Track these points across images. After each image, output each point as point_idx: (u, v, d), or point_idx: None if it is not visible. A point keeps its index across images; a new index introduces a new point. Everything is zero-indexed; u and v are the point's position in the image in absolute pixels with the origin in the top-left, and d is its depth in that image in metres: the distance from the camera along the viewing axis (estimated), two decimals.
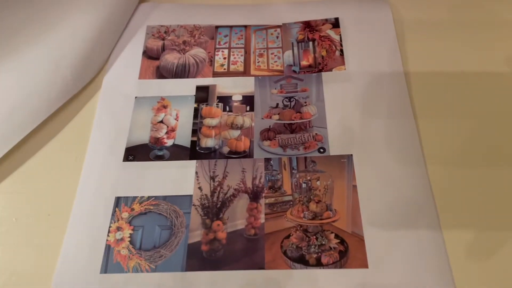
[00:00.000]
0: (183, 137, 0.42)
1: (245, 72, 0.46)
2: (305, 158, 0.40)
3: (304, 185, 0.38)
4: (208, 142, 0.41)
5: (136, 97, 0.44)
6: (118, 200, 0.38)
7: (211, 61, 0.47)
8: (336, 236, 0.35)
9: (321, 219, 0.36)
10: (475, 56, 0.46)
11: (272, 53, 0.47)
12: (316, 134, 0.41)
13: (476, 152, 0.40)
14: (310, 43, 0.48)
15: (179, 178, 0.39)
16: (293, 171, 0.39)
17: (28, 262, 0.35)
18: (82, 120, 0.43)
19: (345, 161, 0.39)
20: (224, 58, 0.47)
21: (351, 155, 0.39)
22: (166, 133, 0.42)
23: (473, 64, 0.45)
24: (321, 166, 0.39)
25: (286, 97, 0.44)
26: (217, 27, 0.50)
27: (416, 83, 0.44)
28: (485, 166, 0.39)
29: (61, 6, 0.45)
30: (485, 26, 0.48)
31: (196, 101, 0.44)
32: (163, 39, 0.49)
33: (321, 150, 0.40)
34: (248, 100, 0.44)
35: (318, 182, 0.38)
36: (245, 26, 0.50)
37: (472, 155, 0.39)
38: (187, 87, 0.45)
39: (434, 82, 0.44)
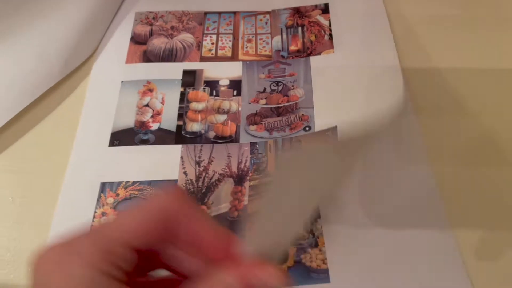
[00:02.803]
0: (169, 121, 0.41)
1: (233, 57, 0.46)
2: (291, 138, 0.39)
3: None
4: (194, 127, 0.41)
5: (122, 81, 0.44)
6: (103, 186, 0.37)
7: (199, 46, 0.46)
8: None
9: None
10: (478, 50, 0.45)
11: (260, 39, 0.47)
12: (302, 114, 0.41)
13: (480, 150, 0.39)
14: (299, 28, 0.47)
15: (164, 163, 0.39)
16: (278, 152, 0.39)
17: (21, 240, 0.35)
18: (72, 104, 0.43)
19: (329, 134, 0.39)
20: (212, 44, 0.47)
21: (336, 126, 0.39)
22: (152, 116, 0.41)
23: (474, 59, 0.44)
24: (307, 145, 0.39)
25: (274, 82, 0.43)
26: (206, 13, 0.49)
27: (412, 71, 0.43)
28: (489, 165, 0.38)
29: None
30: (487, 19, 0.47)
31: (182, 85, 0.43)
32: (151, 24, 0.48)
33: (307, 128, 0.40)
34: (236, 85, 0.43)
35: None
36: (234, 13, 0.49)
37: (477, 153, 0.38)
38: (174, 71, 0.44)
39: (431, 78, 0.43)
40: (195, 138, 0.40)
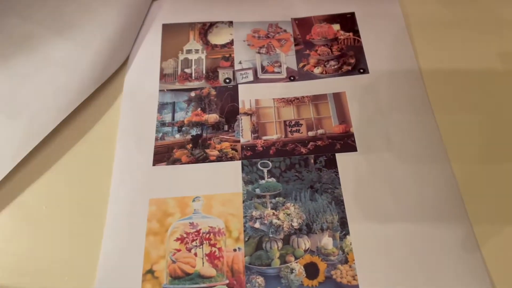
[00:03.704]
0: None
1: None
2: None
3: None
4: None
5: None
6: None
7: None
8: None
9: None
10: (497, 50, 0.46)
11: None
12: None
13: (498, 148, 0.41)
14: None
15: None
16: None
17: (64, 251, 0.38)
18: (108, 117, 0.45)
19: None
20: None
21: None
22: None
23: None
24: None
25: None
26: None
27: (431, 78, 0.45)
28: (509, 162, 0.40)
29: (86, 4, 0.46)
30: (507, 20, 0.48)
31: None
32: None
33: None
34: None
35: None
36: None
37: (495, 150, 0.41)
38: None
39: (449, 77, 0.45)
40: None
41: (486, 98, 0.44)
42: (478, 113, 0.43)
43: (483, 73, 0.45)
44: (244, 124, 0.44)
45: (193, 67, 0.48)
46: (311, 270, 0.36)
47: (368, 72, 0.46)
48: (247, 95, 0.45)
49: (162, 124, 0.44)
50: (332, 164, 0.41)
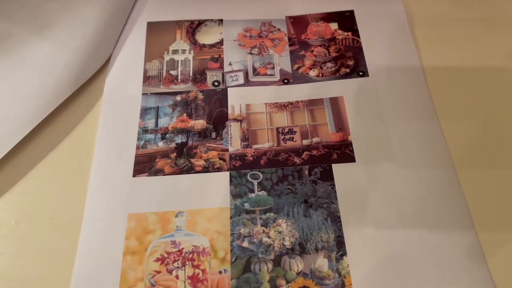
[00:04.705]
0: None
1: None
2: None
3: None
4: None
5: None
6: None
7: None
8: None
9: None
10: (502, 50, 0.44)
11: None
12: None
13: (506, 153, 0.38)
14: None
15: None
16: None
17: (30, 267, 0.35)
18: (86, 123, 0.41)
19: None
20: None
21: None
22: None
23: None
24: None
25: None
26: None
27: (435, 80, 0.42)
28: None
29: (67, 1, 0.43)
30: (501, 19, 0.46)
31: None
32: None
33: None
34: None
35: None
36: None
37: (502, 156, 0.38)
38: None
39: (455, 79, 0.42)
40: None
41: (493, 100, 0.41)
42: (484, 117, 0.40)
43: (490, 73, 0.42)
44: (234, 131, 0.40)
45: (180, 68, 0.44)
46: None
47: (368, 75, 0.43)
48: (237, 99, 0.42)
49: (144, 130, 0.41)
50: (328, 176, 0.37)
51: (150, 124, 0.41)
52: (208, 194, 0.37)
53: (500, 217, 0.35)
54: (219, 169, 0.38)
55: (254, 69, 0.44)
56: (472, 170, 0.37)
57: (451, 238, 0.34)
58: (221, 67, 0.44)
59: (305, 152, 0.39)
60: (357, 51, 0.44)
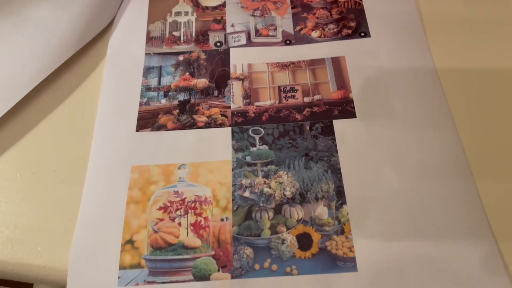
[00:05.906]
0: None
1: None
2: None
3: None
4: None
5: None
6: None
7: None
8: None
9: None
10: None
11: None
12: None
13: None
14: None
15: None
16: None
17: (34, 216, 0.35)
18: (90, 82, 0.42)
19: None
20: None
21: None
22: None
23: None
24: None
25: None
26: None
27: (436, 41, 0.42)
28: None
29: None
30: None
31: None
32: None
33: None
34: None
35: None
36: None
37: None
38: None
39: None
40: None
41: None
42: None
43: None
44: (236, 89, 0.41)
45: (182, 30, 0.45)
46: (304, 241, 0.33)
47: (369, 36, 0.43)
48: (239, 59, 0.42)
49: (147, 88, 0.41)
50: (329, 131, 0.38)
51: (153, 82, 0.42)
52: (210, 148, 0.37)
53: None
54: (221, 125, 0.39)
55: (257, 31, 0.44)
56: (473, 129, 0.37)
57: (453, 188, 0.34)
58: (224, 29, 0.44)
59: (307, 109, 0.39)
60: (359, 13, 0.44)
